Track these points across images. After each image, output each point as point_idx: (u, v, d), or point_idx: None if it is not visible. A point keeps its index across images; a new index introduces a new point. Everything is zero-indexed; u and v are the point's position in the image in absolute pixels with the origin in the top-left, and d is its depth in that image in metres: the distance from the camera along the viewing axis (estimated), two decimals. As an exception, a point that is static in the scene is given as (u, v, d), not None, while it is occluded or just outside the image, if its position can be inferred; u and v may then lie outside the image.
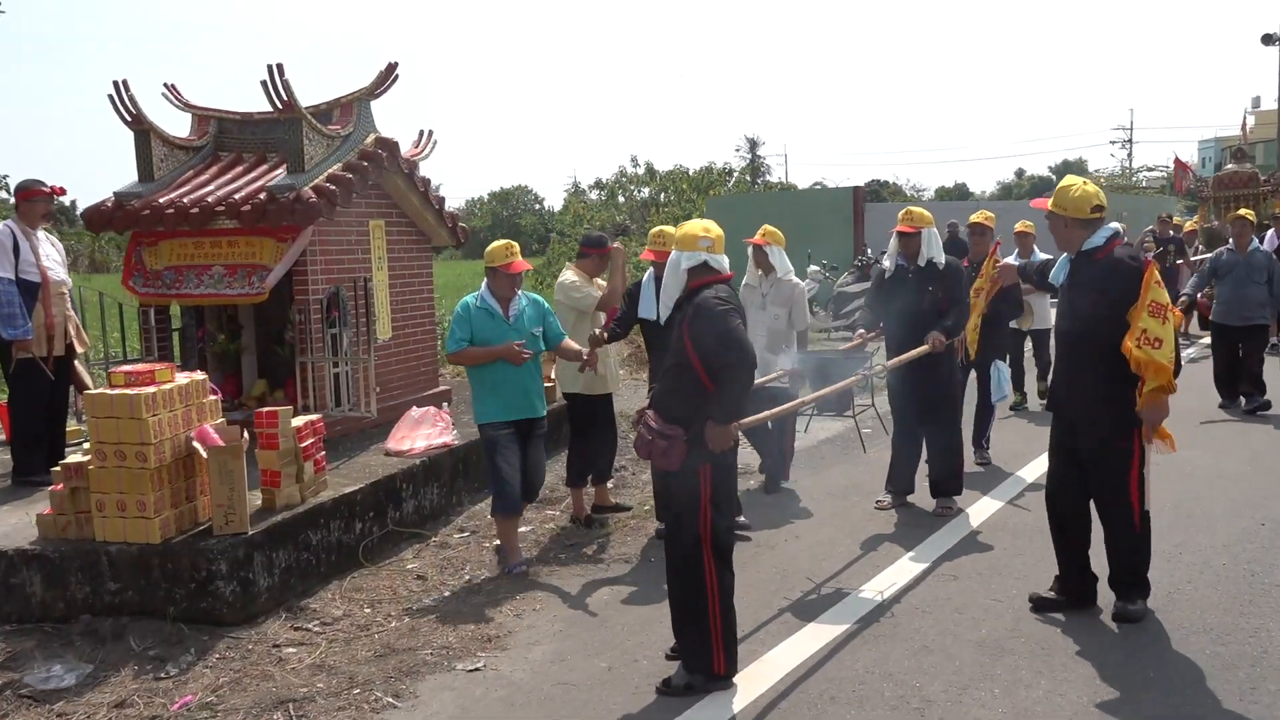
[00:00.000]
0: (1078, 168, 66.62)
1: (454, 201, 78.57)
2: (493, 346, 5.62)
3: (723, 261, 4.13)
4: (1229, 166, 17.87)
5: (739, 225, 21.85)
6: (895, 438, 6.64)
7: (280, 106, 6.90)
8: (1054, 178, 68.14)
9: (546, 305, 5.92)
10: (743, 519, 5.97)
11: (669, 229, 5.82)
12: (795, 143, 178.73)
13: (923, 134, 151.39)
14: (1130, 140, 57.77)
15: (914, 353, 5.98)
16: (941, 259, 6.32)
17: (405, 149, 8.27)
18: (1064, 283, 4.70)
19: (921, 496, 6.61)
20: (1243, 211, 9.82)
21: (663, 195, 25.98)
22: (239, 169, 7.50)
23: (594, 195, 28.10)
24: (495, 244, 5.76)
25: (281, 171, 7.10)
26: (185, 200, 6.97)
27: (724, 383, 3.94)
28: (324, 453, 5.83)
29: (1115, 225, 4.60)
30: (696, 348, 3.96)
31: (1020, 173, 75.47)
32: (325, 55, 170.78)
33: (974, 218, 8.09)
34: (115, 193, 7.14)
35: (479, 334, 5.68)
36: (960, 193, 68.57)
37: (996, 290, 6.87)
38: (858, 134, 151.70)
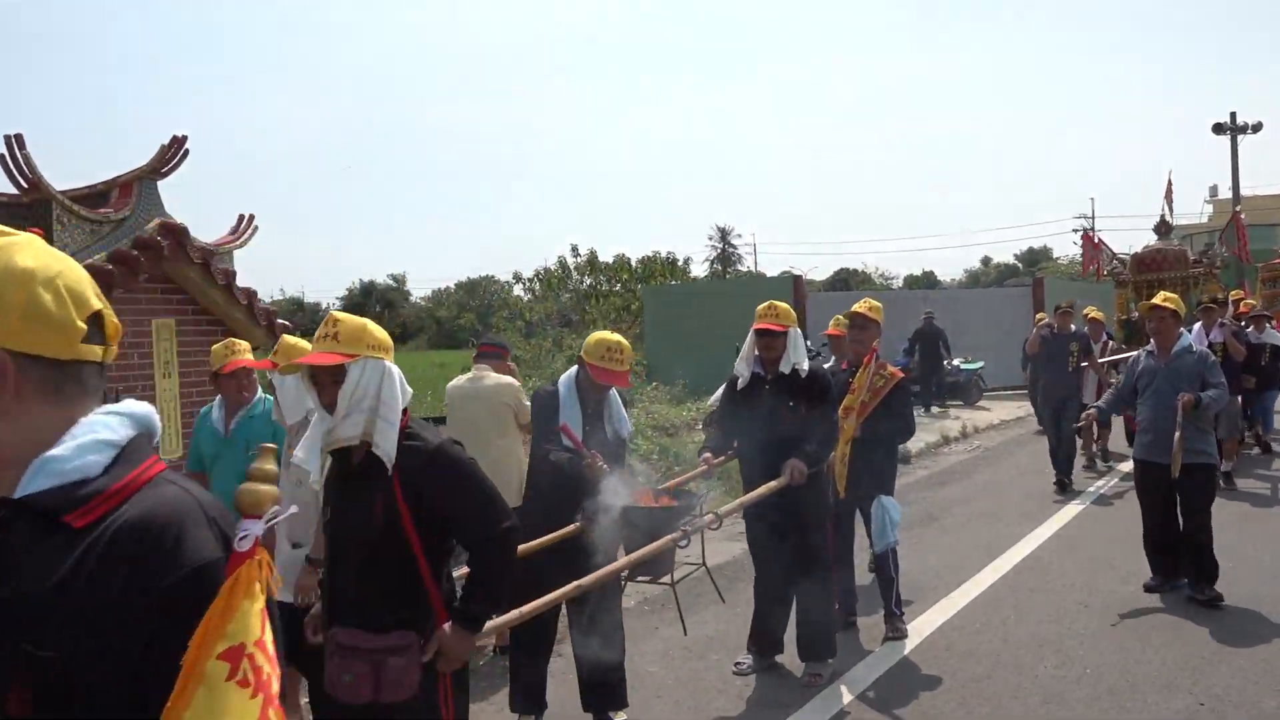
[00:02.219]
0: (1043, 255, 66.76)
1: (420, 290, 77.42)
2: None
3: None
4: (1152, 243, 14.88)
5: (675, 316, 21.20)
6: (757, 585, 5.42)
7: (25, 185, 5.78)
8: (1019, 265, 68.24)
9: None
10: None
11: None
12: (765, 231, 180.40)
13: (892, 223, 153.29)
14: (1091, 229, 57.54)
15: (765, 488, 4.79)
16: (805, 366, 5.15)
17: (220, 236, 7.19)
18: None
19: (791, 655, 5.37)
20: (1161, 298, 6.44)
21: (604, 284, 25.07)
22: None
23: (528, 288, 27.30)
24: (216, 345, 4.71)
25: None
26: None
27: (486, 567, 2.83)
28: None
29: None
30: (420, 515, 2.79)
31: (987, 260, 75.56)
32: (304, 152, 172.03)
33: (856, 306, 5.90)
34: None
35: (205, 450, 4.64)
36: (929, 281, 68.45)
37: (875, 405, 5.75)
38: (828, 223, 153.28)
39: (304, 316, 70.64)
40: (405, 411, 2.90)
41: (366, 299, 71.99)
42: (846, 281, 64.37)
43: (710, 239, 77.14)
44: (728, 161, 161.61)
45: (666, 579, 4.23)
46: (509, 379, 5.83)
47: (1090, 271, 18.42)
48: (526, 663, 4.60)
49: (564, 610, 4.70)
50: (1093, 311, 11.78)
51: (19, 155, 5.65)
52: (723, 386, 5.54)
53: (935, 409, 18.23)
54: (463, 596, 2.83)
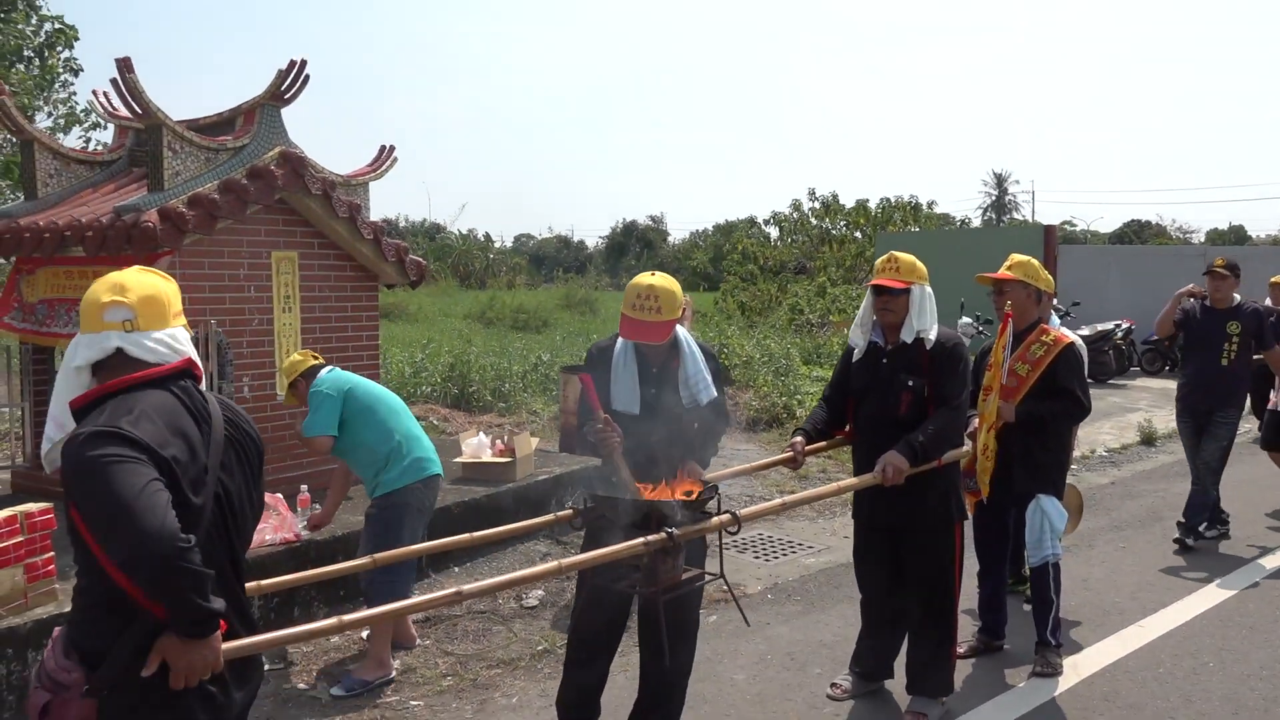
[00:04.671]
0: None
1: (678, 234, 77.31)
2: None
3: (154, 345, 2.28)
4: None
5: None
6: (863, 599, 4.50)
7: (138, 111, 5.70)
8: (1352, 221, 59.15)
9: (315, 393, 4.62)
10: None
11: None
12: (1045, 177, 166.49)
13: (1194, 169, 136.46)
14: None
15: (833, 487, 3.87)
16: (933, 334, 4.11)
17: (357, 167, 6.95)
18: None
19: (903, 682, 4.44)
20: None
21: (842, 229, 23.70)
22: (134, 186, 6.40)
23: (760, 233, 26.36)
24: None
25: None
26: (40, 223, 5.95)
27: (150, 592, 2.10)
28: (50, 554, 4.45)
29: None
30: (86, 522, 2.13)
31: (1311, 214, 65.97)
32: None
33: (1009, 262, 4.83)
34: (-5, 211, 6.26)
35: None
36: (1237, 236, 60.81)
37: (1034, 381, 4.63)
38: (1118, 168, 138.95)
39: (569, 254, 72.92)
40: (93, 394, 2.23)
41: (627, 238, 73.21)
42: (1135, 234, 58.45)
43: (984, 184, 72.54)
44: (1009, 106, 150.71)
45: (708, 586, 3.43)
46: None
47: None
48: (582, 661, 3.91)
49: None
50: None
51: (126, 79, 5.54)
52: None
53: None
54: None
